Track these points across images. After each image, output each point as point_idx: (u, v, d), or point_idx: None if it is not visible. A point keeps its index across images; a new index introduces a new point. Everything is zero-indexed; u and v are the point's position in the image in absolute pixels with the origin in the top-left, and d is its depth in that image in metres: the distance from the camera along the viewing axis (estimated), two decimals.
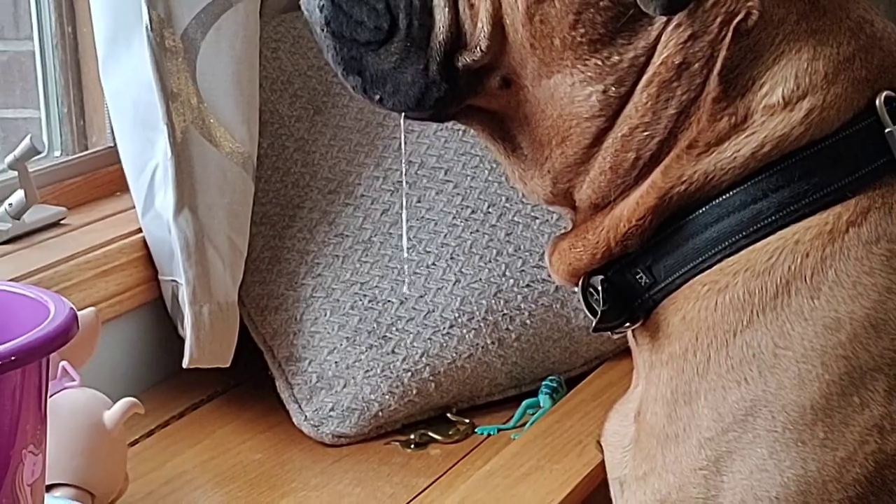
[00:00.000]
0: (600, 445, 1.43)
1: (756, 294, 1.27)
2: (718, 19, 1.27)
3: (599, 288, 1.33)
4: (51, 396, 1.41)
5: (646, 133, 1.29)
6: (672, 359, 1.31)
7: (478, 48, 1.31)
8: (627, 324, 1.35)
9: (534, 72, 1.31)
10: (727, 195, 1.29)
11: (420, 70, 1.33)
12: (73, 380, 1.63)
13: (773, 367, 1.25)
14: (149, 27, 1.89)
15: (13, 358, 1.16)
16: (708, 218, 1.29)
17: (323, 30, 1.35)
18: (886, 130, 1.28)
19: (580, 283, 1.36)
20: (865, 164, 1.28)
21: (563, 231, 1.38)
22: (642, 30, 1.28)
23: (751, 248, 1.28)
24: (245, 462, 1.85)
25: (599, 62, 1.29)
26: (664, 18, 1.27)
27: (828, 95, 1.28)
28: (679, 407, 1.29)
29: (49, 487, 1.48)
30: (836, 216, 1.27)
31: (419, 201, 2.01)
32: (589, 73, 1.29)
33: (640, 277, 1.32)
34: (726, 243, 1.29)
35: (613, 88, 1.29)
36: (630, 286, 1.33)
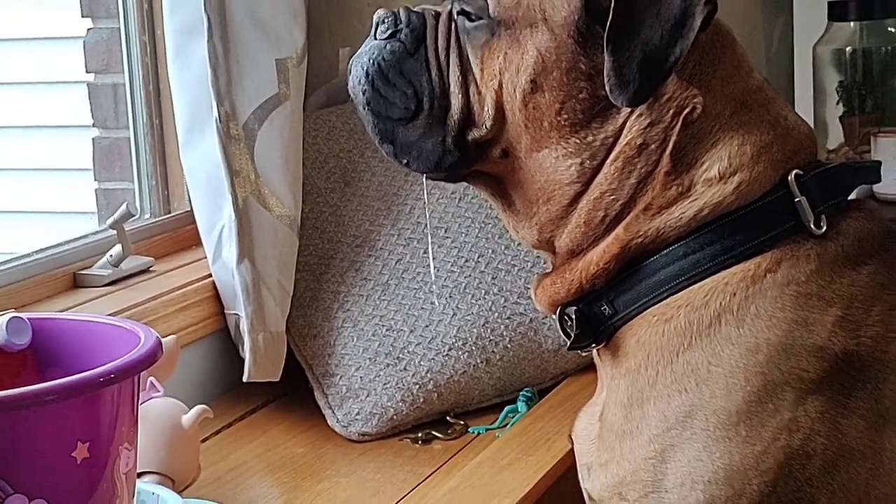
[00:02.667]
0: (571, 438, 1.43)
1: (695, 324, 1.27)
2: (671, 111, 1.28)
3: (573, 316, 1.34)
4: (141, 404, 1.42)
5: (612, 197, 1.30)
6: (628, 372, 1.31)
7: (484, 126, 1.32)
8: (593, 344, 1.35)
9: (527, 146, 1.32)
10: (673, 247, 1.29)
11: (438, 141, 1.34)
12: (159, 391, 1.63)
13: (707, 380, 1.26)
14: (218, 119, 1.90)
15: (112, 376, 1.16)
16: (658, 264, 1.30)
17: (364, 108, 1.37)
18: (796, 200, 1.29)
19: (557, 312, 1.36)
20: (779, 225, 1.29)
21: (542, 272, 1.39)
22: (612, 117, 1.29)
23: (690, 287, 1.29)
24: (291, 455, 1.85)
25: (578, 140, 1.29)
26: (629, 109, 1.28)
27: (752, 172, 1.29)
28: (633, 410, 1.30)
29: (139, 475, 1.48)
30: (757, 265, 1.28)
31: (425, 252, 2.01)
32: (570, 149, 1.30)
33: (604, 308, 1.33)
34: (672, 284, 1.29)
35: (588, 161, 1.30)
36: (596, 315, 1.33)
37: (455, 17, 1.34)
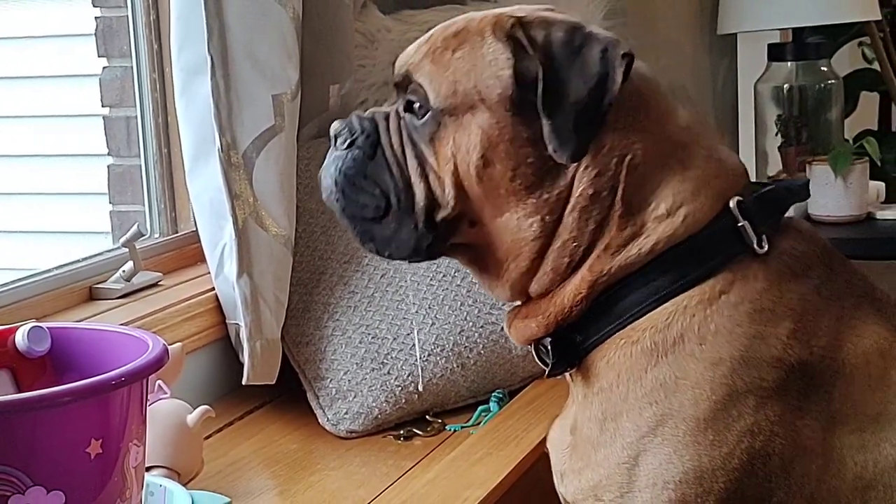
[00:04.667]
0: (545, 447, 1.43)
1: (660, 344, 1.27)
2: (614, 160, 1.28)
3: (549, 347, 1.33)
4: (150, 405, 1.43)
5: (575, 244, 1.29)
6: (601, 391, 1.31)
7: (448, 205, 1.32)
8: (568, 368, 1.35)
9: (490, 213, 1.31)
10: (634, 277, 1.29)
11: (412, 229, 1.33)
12: (166, 393, 1.62)
13: (675, 392, 1.26)
14: (220, 149, 1.89)
15: (123, 379, 1.17)
16: (623, 293, 1.30)
17: (340, 214, 1.36)
18: (739, 224, 1.29)
19: (532, 344, 1.36)
20: (727, 249, 1.29)
21: (511, 309, 1.38)
22: (561, 173, 1.28)
23: (653, 311, 1.28)
24: (285, 450, 1.84)
25: (535, 200, 1.29)
26: (574, 164, 1.27)
27: (695, 205, 1.29)
28: (608, 422, 1.29)
29: (148, 469, 1.47)
30: (711, 287, 1.28)
31: (406, 268, 2.01)
32: (529, 209, 1.29)
33: (577, 336, 1.33)
34: (636, 310, 1.29)
35: (548, 217, 1.29)
36: (570, 343, 1.33)
37: (402, 114, 1.34)
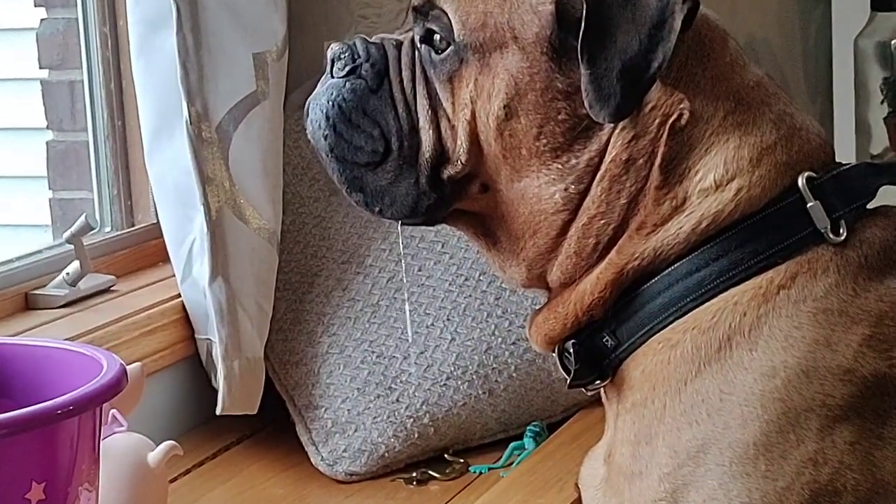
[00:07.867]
0: (577, 487, 1.43)
1: (703, 348, 1.28)
2: (657, 121, 1.29)
3: (572, 350, 1.34)
4: (102, 440, 1.42)
5: (603, 221, 1.31)
6: (634, 406, 1.31)
7: (459, 161, 1.33)
8: (598, 381, 1.35)
9: (507, 177, 1.33)
10: (674, 266, 1.30)
11: (412, 183, 1.35)
12: (122, 425, 1.62)
13: (719, 410, 1.26)
14: (188, 121, 1.90)
15: (71, 408, 1.17)
16: (660, 286, 1.31)
17: (328, 155, 1.37)
18: (808, 205, 1.30)
19: (556, 349, 1.36)
20: (792, 234, 1.30)
21: (539, 306, 1.39)
22: (594, 135, 1.30)
23: (697, 309, 1.29)
24: (269, 497, 1.85)
25: (560, 165, 1.31)
26: (612, 125, 1.29)
27: (753, 177, 1.30)
28: (641, 447, 1.30)
29: None
30: (769, 280, 1.29)
31: (420, 270, 2.02)
32: (552, 175, 1.31)
33: (607, 340, 1.33)
34: (676, 307, 1.30)
35: (573, 186, 1.31)
36: (598, 348, 1.34)
37: (419, 45, 1.35)
